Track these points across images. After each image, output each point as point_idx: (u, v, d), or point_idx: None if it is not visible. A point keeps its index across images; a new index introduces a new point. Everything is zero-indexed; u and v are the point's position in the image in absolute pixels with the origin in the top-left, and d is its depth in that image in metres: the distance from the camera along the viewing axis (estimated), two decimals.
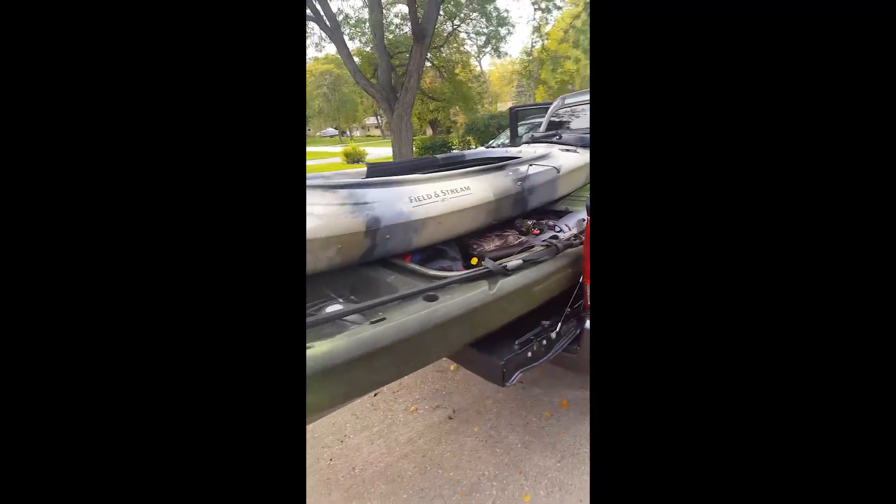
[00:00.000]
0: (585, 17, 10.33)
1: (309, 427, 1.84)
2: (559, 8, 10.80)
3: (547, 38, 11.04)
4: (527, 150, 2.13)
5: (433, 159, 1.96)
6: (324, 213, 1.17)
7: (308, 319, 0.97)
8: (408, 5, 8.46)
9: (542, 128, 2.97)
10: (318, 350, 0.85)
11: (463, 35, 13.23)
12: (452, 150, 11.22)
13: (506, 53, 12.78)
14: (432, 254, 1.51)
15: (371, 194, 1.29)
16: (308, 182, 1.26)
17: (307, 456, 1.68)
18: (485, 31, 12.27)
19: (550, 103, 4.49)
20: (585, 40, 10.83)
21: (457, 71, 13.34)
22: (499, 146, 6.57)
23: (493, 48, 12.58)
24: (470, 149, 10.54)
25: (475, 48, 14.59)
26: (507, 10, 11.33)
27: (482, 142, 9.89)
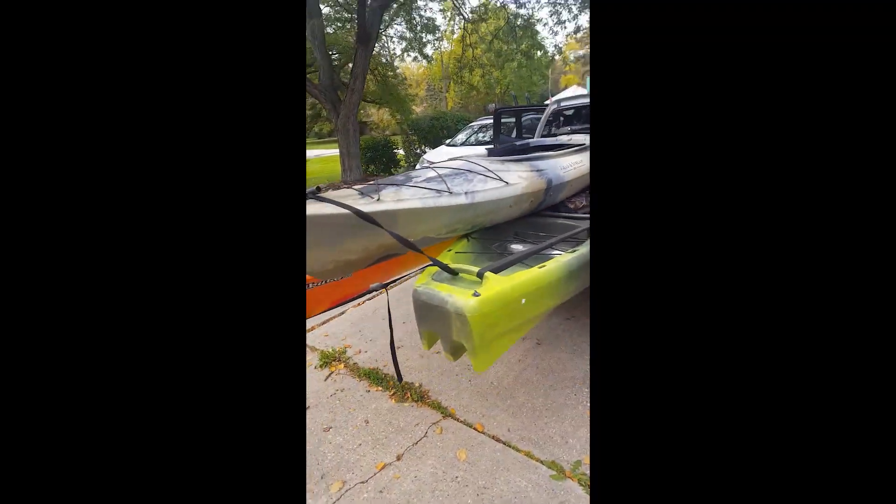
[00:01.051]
0: (507, 28, 11.48)
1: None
2: (484, 20, 11.82)
3: (476, 47, 11.97)
4: (577, 138, 2.76)
5: (513, 146, 2.48)
6: (526, 177, 1.65)
7: (539, 248, 1.46)
8: (357, 9, 8.67)
9: (541, 125, 3.62)
10: (583, 250, 1.36)
11: (384, 38, 13.60)
12: (395, 149, 11.55)
13: (430, 57, 13.49)
14: (553, 209, 2.04)
15: (543, 164, 1.79)
16: (505, 159, 1.73)
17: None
18: (408, 35, 12.79)
19: (529, 106, 5.19)
20: (506, 50, 12.09)
21: (388, 73, 13.65)
22: (462, 143, 7.11)
23: (418, 51, 13.15)
24: (416, 148, 10.98)
25: (394, 51, 15.00)
26: (433, 18, 11.88)
27: (428, 142, 10.35)
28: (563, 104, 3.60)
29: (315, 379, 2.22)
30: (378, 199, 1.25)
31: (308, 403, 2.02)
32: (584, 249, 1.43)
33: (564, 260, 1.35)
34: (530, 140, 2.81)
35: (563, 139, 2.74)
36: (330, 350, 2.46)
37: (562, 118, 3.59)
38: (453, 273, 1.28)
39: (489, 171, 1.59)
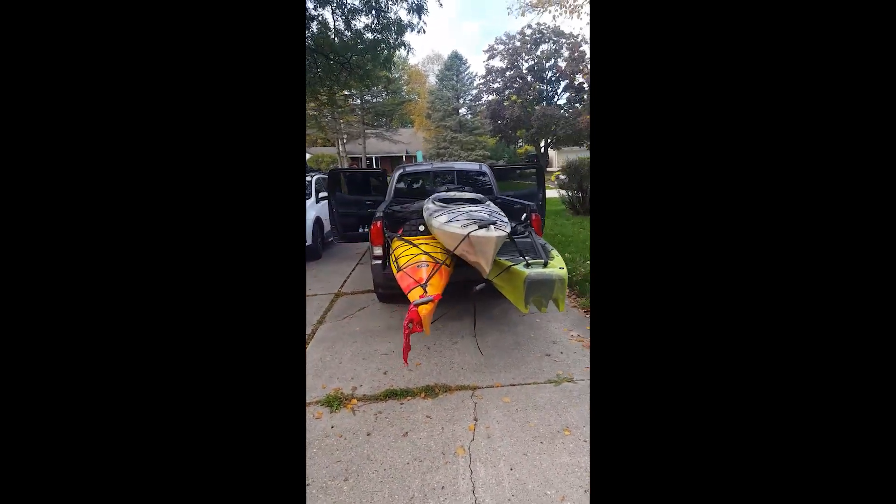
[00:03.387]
0: None
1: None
2: None
3: None
4: (460, 192, 3.89)
5: (446, 196, 3.45)
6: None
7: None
8: None
9: (392, 189, 4.60)
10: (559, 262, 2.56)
11: None
12: None
13: None
14: None
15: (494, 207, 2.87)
16: (480, 207, 2.68)
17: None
18: None
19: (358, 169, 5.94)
20: None
21: None
22: None
23: None
24: None
25: None
26: None
27: None
28: (407, 170, 4.77)
29: (343, 416, 2.37)
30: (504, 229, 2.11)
31: (367, 430, 2.24)
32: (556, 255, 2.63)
33: (559, 259, 2.52)
34: (448, 192, 3.84)
35: (467, 194, 3.88)
36: (325, 397, 2.57)
37: (409, 180, 4.74)
38: (528, 265, 2.22)
39: (493, 211, 2.61)
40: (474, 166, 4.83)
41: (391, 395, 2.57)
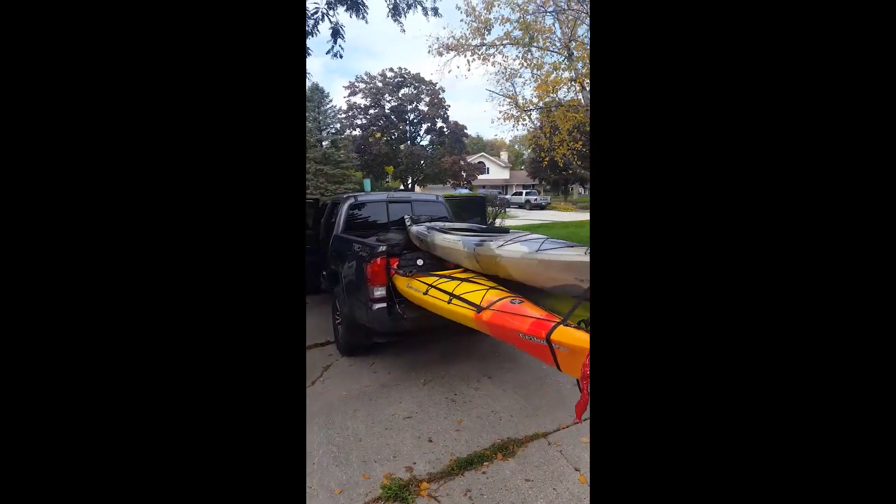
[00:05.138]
0: None
1: None
2: None
3: None
4: (450, 222, 3.56)
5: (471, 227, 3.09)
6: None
7: None
8: None
9: (341, 221, 4.02)
10: None
11: None
12: None
13: None
14: None
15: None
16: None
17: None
18: None
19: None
20: None
21: None
22: None
23: None
24: None
25: None
26: None
27: None
28: (360, 199, 4.24)
29: None
30: None
31: None
32: None
33: None
34: (472, 225, 3.47)
35: (465, 224, 3.58)
36: (383, 489, 1.96)
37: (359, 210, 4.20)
38: None
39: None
40: (431, 196, 4.65)
41: (464, 465, 2.12)
